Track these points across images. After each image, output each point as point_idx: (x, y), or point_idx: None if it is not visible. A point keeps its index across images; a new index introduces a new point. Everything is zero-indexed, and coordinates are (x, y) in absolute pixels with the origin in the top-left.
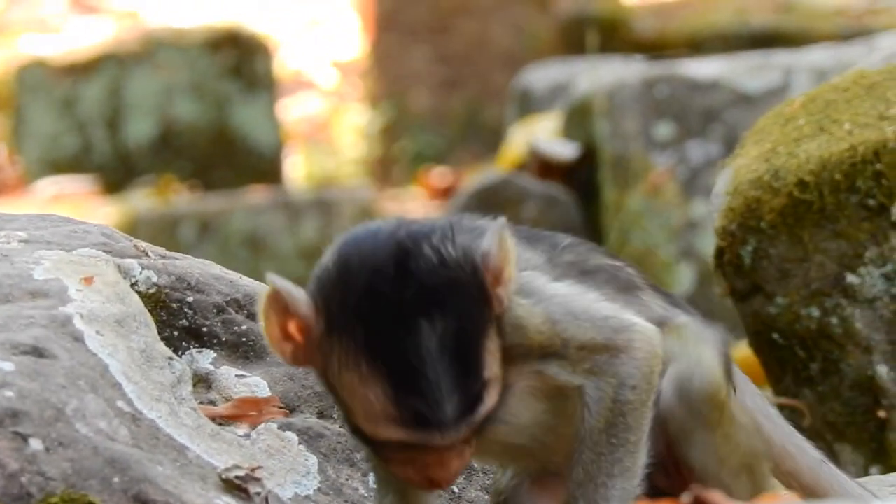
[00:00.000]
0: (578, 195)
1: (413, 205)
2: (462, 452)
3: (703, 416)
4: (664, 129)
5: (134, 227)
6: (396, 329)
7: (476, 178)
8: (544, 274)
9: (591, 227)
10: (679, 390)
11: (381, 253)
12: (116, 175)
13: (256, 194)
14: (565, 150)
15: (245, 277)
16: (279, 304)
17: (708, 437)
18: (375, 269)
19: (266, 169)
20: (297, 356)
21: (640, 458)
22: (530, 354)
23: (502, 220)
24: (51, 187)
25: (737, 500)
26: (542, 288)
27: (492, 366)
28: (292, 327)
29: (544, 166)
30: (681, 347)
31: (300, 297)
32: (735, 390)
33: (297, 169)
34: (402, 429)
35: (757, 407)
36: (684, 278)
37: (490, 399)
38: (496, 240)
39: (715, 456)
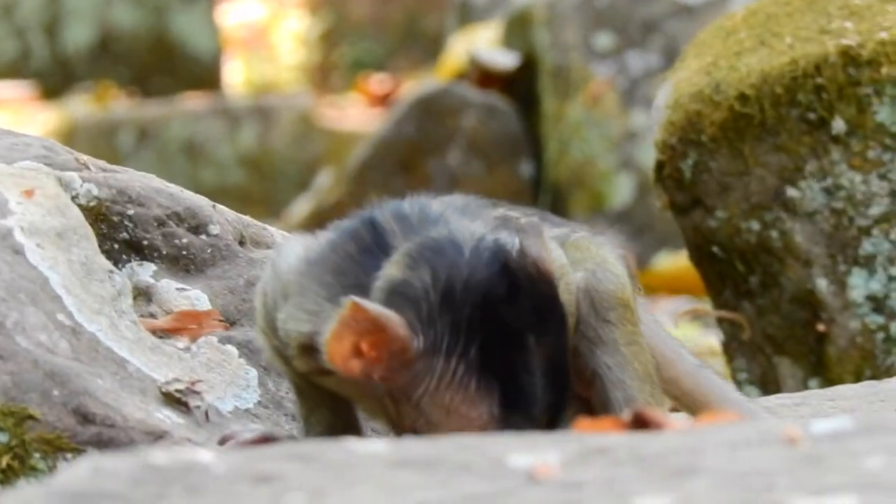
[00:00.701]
0: (518, 105)
1: (352, 111)
2: None
3: (609, 313)
4: (604, 40)
5: (72, 134)
6: (509, 347)
7: (415, 87)
8: None
9: (531, 137)
10: (587, 291)
11: (484, 270)
12: (55, 81)
13: (195, 101)
14: (505, 60)
15: (186, 191)
16: (361, 324)
17: (614, 335)
18: (487, 287)
19: (205, 75)
20: (370, 372)
21: None
22: None
23: (536, 223)
24: None
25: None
26: None
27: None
28: (365, 345)
29: (484, 76)
30: (582, 254)
31: (394, 316)
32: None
33: (235, 75)
34: None
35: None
36: (623, 189)
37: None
38: (544, 245)
39: (621, 356)
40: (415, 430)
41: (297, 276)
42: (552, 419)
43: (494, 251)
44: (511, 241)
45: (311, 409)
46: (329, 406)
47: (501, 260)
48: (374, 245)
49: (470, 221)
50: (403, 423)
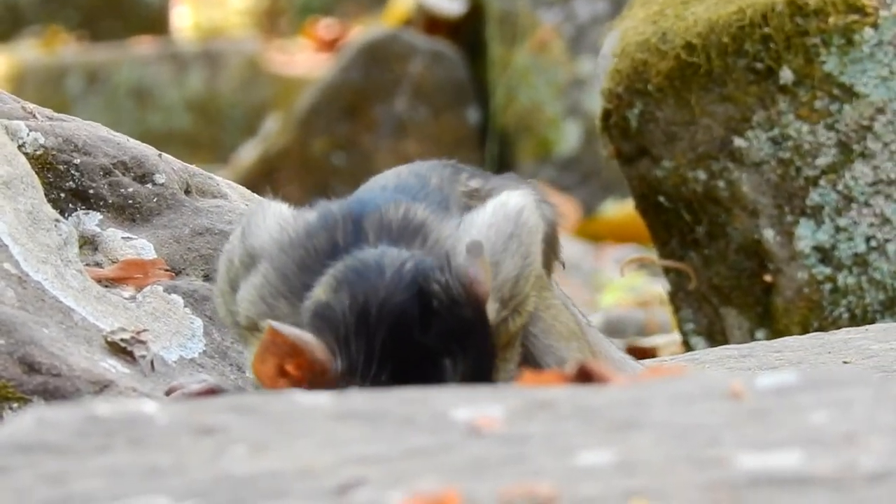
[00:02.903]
0: (465, 51)
1: (300, 57)
2: None
3: None
4: None
5: (21, 79)
6: (423, 371)
7: (363, 32)
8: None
9: (478, 83)
10: None
11: (400, 295)
12: (3, 26)
13: (143, 45)
14: (452, 6)
15: (132, 140)
16: (281, 347)
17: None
18: (400, 312)
19: (153, 19)
20: (296, 389)
21: None
22: None
23: (478, 243)
24: None
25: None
26: None
27: None
28: (290, 367)
29: (431, 22)
30: None
31: (312, 340)
32: (563, 265)
33: (183, 20)
34: None
35: None
36: (570, 136)
37: None
38: (482, 265)
39: (543, 322)
40: None
41: (266, 259)
42: None
43: (415, 274)
44: (441, 263)
45: None
46: None
47: (420, 283)
48: (342, 246)
49: (448, 220)
50: None
